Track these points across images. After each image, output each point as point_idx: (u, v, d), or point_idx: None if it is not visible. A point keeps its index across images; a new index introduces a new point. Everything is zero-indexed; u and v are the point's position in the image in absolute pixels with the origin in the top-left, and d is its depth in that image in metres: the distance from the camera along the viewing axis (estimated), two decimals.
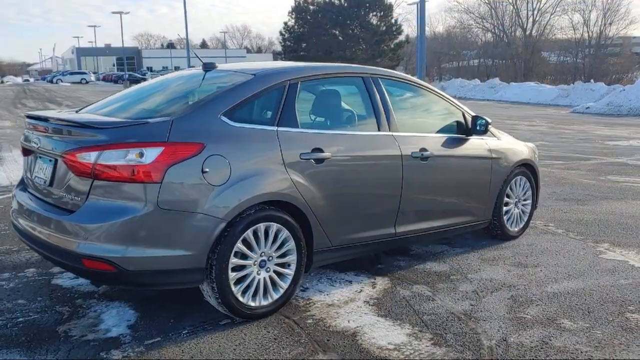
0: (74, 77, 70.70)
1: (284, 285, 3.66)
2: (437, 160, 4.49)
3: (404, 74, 4.79)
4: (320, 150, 3.78)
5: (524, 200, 5.46)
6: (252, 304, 3.52)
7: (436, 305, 3.84)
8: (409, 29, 66.68)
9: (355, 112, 4.39)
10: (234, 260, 3.40)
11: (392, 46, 55.27)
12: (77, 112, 4.10)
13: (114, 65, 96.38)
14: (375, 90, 4.29)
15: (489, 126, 4.90)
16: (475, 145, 4.87)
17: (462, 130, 4.84)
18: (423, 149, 4.38)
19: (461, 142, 4.78)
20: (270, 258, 3.59)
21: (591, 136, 14.69)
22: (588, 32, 55.82)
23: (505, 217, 5.25)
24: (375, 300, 3.91)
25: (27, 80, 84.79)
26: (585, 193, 7.54)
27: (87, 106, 4.24)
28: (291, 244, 3.66)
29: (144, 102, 3.96)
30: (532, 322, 3.60)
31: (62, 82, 68.11)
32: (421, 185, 4.41)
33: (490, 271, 4.51)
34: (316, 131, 3.89)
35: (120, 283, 3.45)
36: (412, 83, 4.75)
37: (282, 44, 58.85)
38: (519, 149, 5.37)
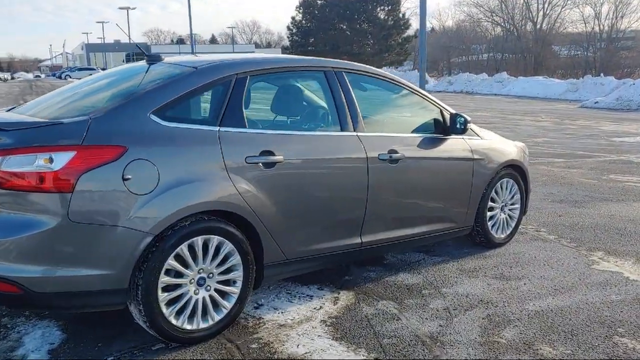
0: (82, 73, 70.63)
1: (227, 305, 3.27)
2: (409, 162, 4.06)
3: (374, 68, 4.34)
4: (271, 153, 3.37)
5: (512, 204, 5.01)
6: (189, 327, 3.12)
7: (400, 325, 3.43)
8: (418, 23, 65.90)
9: (314, 110, 3.99)
10: (165, 279, 3.00)
11: (400, 40, 54.81)
12: (7, 111, 3.73)
13: (123, 61, 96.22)
14: (338, 85, 3.86)
15: (469, 124, 4.45)
16: (454, 145, 4.43)
17: (440, 130, 4.40)
18: (392, 151, 3.95)
19: (438, 142, 4.34)
20: (211, 275, 3.19)
21: (597, 132, 14.13)
22: (599, 25, 54.76)
23: (489, 223, 4.81)
24: (334, 320, 3.50)
25: (38, 76, 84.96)
26: (584, 194, 7.08)
27: (23, 104, 3.87)
28: (236, 259, 3.26)
29: (75, 99, 3.57)
30: (506, 347, 3.18)
31: (70, 78, 68.09)
32: (390, 190, 3.99)
33: (467, 284, 4.09)
34: (267, 132, 3.48)
35: (30, 307, 3.07)
36: (383, 78, 4.28)
37: (290, 38, 58.49)
38: (506, 148, 4.92)
